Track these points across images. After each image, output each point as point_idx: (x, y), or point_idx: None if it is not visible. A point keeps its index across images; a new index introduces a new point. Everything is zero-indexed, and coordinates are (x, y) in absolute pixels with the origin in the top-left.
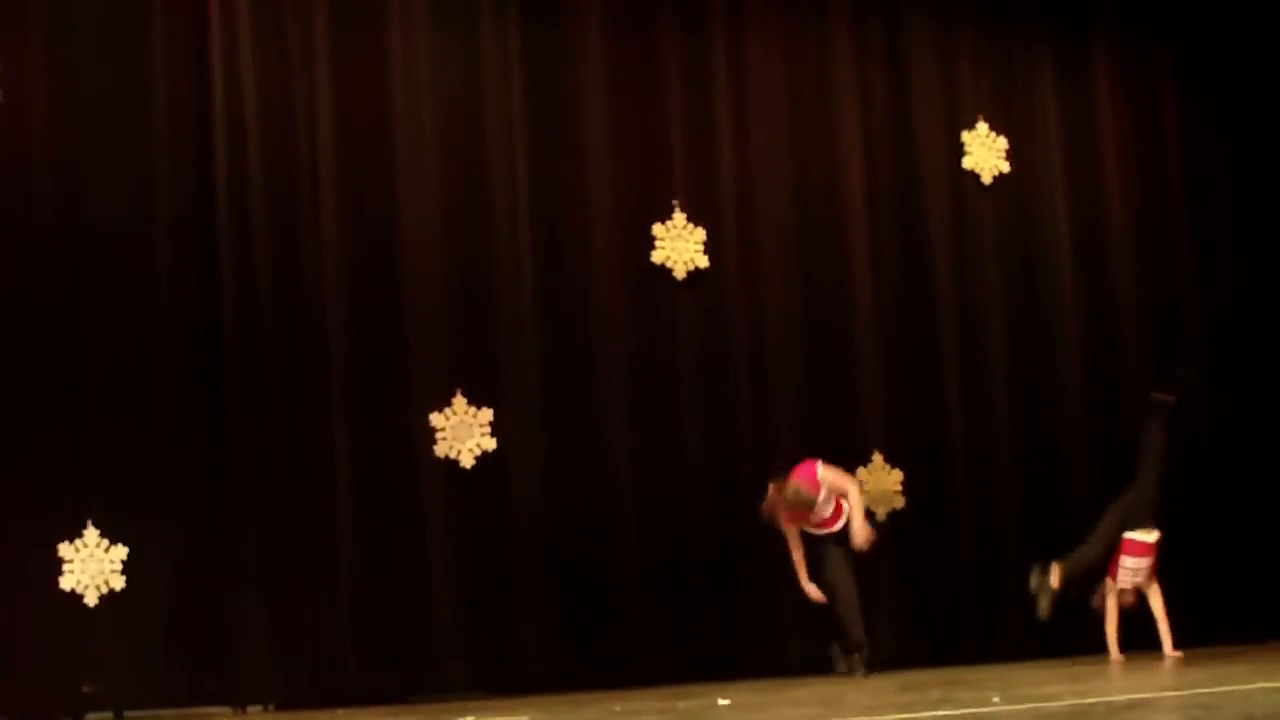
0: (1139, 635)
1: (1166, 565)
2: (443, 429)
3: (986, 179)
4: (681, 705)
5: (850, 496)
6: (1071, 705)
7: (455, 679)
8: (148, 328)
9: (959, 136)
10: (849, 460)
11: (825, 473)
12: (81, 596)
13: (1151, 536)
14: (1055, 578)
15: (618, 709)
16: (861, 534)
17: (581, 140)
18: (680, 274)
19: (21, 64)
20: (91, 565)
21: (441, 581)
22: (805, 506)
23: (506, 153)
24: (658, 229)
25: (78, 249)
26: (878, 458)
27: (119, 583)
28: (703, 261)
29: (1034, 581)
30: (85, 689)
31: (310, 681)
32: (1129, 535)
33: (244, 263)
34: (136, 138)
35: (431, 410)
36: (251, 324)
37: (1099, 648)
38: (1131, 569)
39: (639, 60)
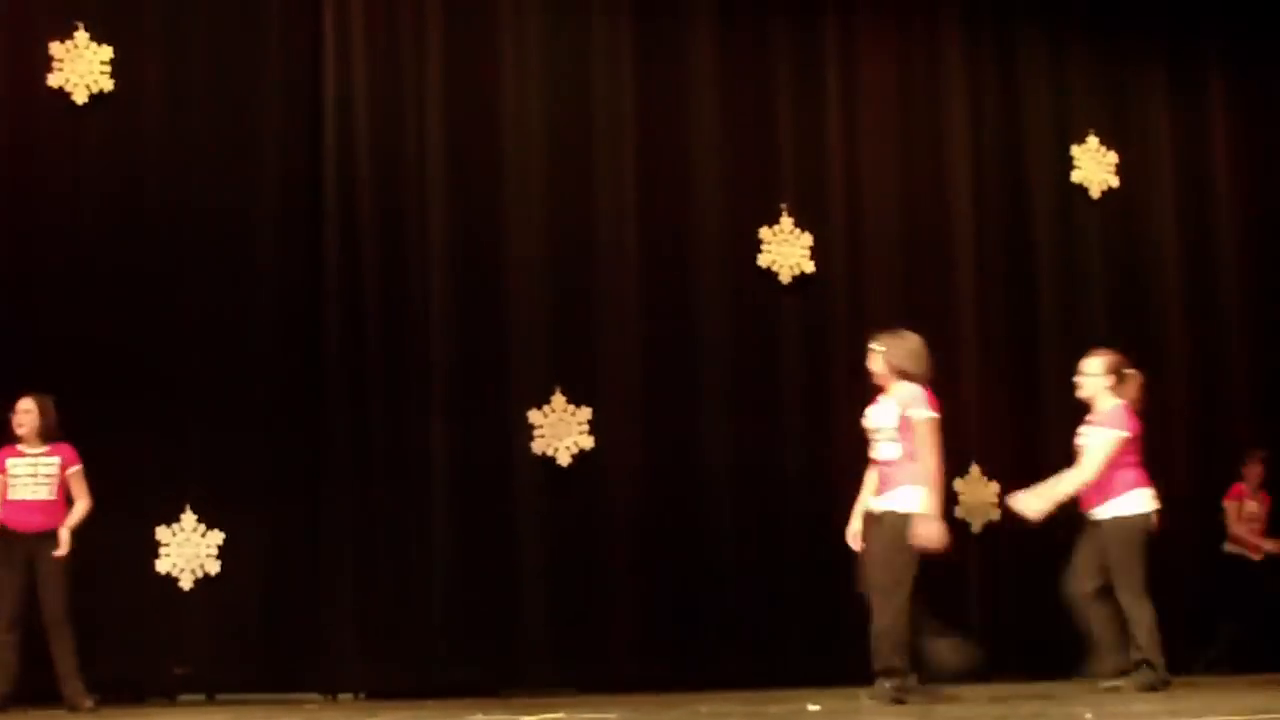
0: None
1: None
2: (541, 426)
3: (1095, 193)
4: (771, 710)
5: None
6: None
7: (545, 675)
8: (251, 318)
9: (1069, 149)
10: (946, 471)
11: None
12: (177, 580)
13: None
14: None
15: (704, 710)
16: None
17: (690, 141)
18: (785, 278)
19: (136, 52)
20: (188, 549)
21: (534, 577)
22: None
23: (615, 152)
24: (764, 232)
25: (185, 238)
26: (975, 470)
27: (214, 567)
28: (808, 266)
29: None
30: (178, 670)
31: (401, 672)
32: None
33: (349, 256)
34: (246, 130)
35: (530, 407)
36: (354, 317)
37: (1189, 668)
38: None
39: (750, 62)
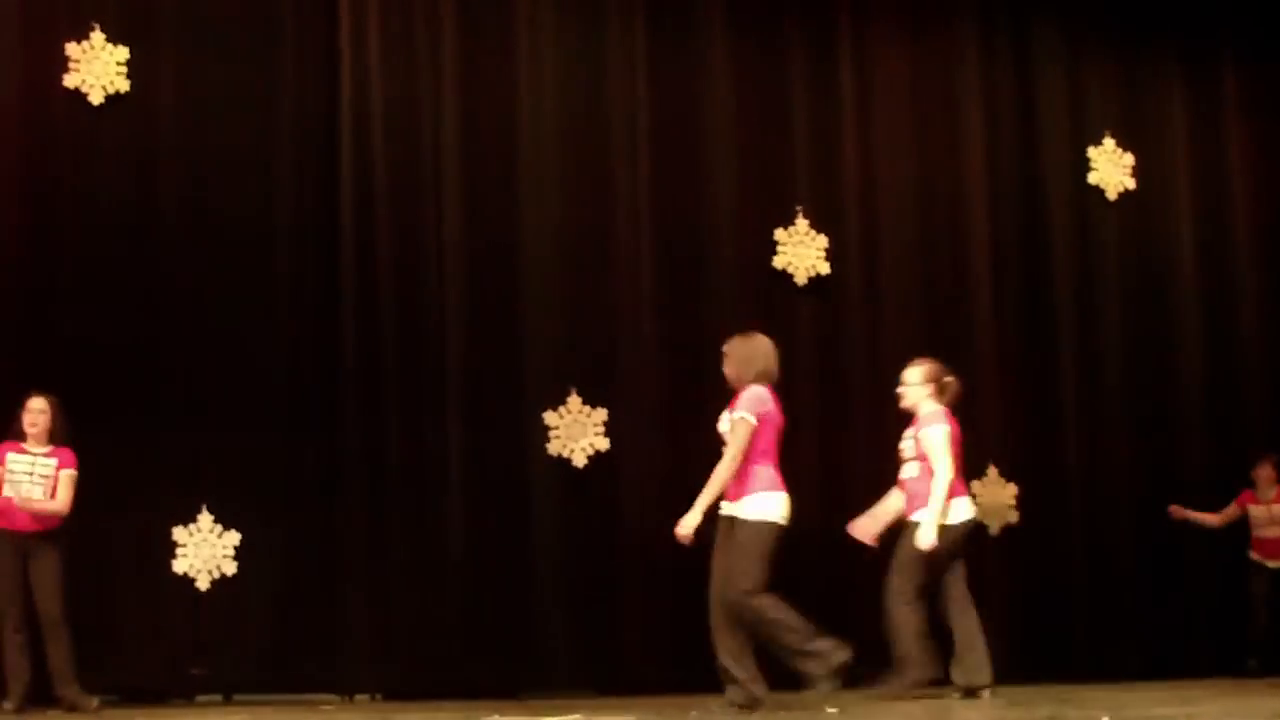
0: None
1: None
2: (556, 428)
3: (1111, 195)
4: (790, 714)
5: None
6: None
7: (562, 676)
8: (268, 319)
9: (1085, 151)
10: (965, 473)
11: None
12: (194, 580)
13: None
14: None
15: (718, 709)
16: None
17: (706, 144)
18: (801, 280)
19: (152, 53)
20: (205, 550)
21: (550, 579)
22: None
23: (630, 155)
24: (780, 234)
25: (201, 239)
26: (993, 471)
27: (231, 568)
28: (824, 268)
29: None
30: (195, 671)
31: (417, 674)
32: None
33: (365, 258)
34: (262, 136)
35: (545, 409)
36: (370, 319)
37: (1211, 670)
38: None
39: (764, 64)
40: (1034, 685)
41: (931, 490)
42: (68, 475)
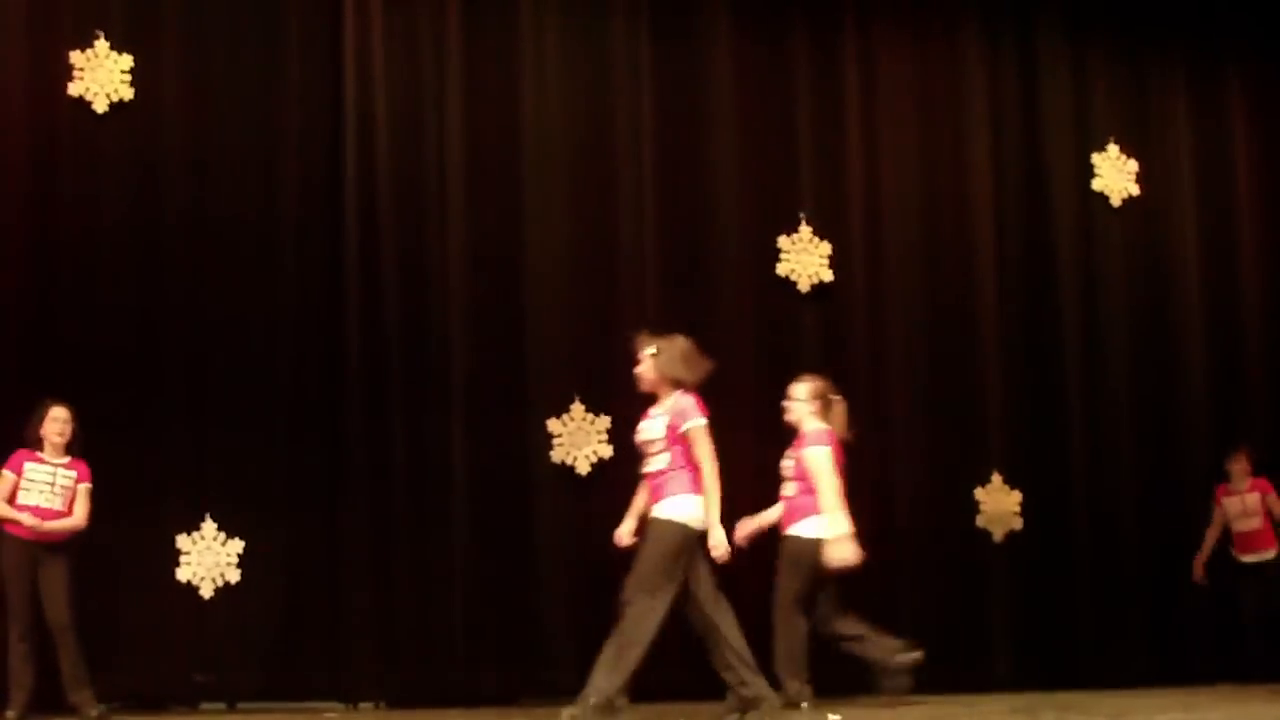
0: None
1: None
2: (560, 435)
3: (1116, 201)
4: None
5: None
6: None
7: (565, 682)
8: (272, 327)
9: (1089, 158)
10: (968, 480)
11: None
12: (197, 588)
13: None
14: None
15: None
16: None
17: (710, 150)
18: (804, 287)
19: (155, 61)
20: (208, 558)
21: (553, 585)
22: None
23: (634, 162)
24: (783, 241)
25: (205, 251)
26: (997, 478)
27: (234, 576)
28: (827, 275)
29: None
30: (198, 679)
31: (421, 681)
32: None
33: (369, 264)
34: (266, 142)
35: (549, 416)
36: (374, 325)
37: (1216, 676)
38: None
39: (769, 72)
40: (1038, 692)
41: (824, 508)
42: (86, 489)
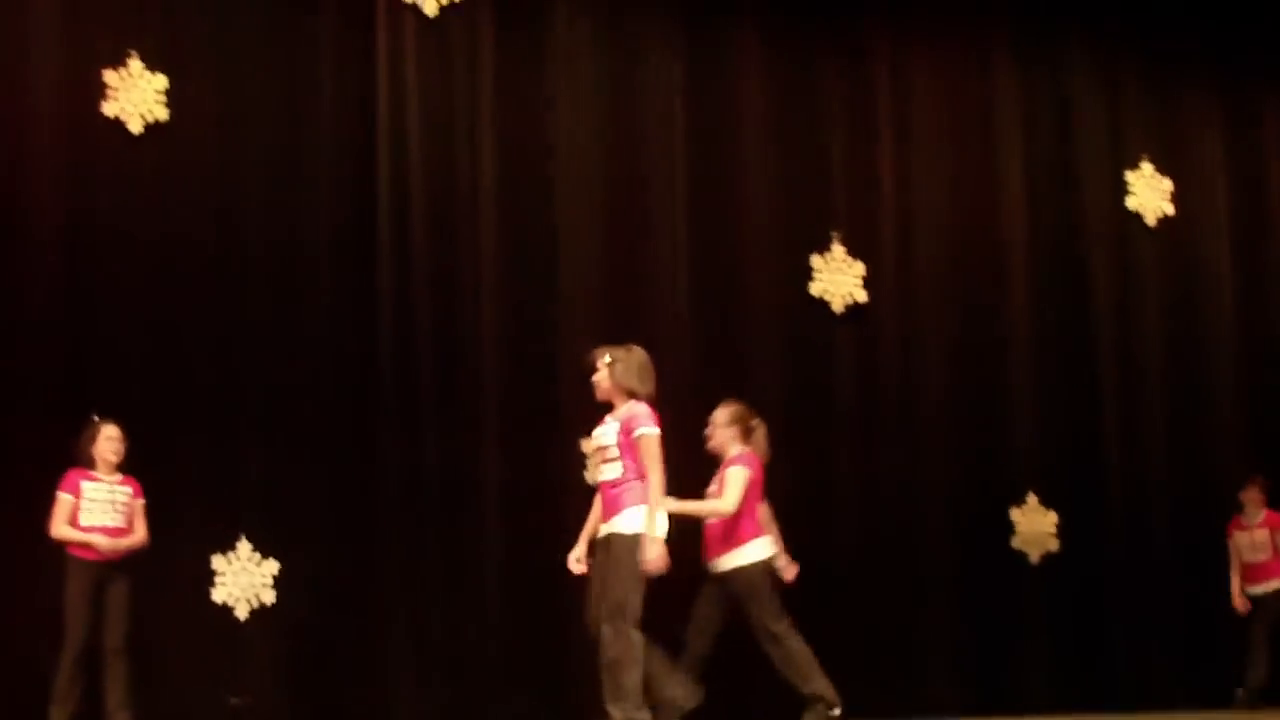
0: None
1: None
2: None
3: (1150, 220)
4: None
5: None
6: None
7: (600, 705)
8: (305, 347)
9: (1123, 177)
10: (1003, 501)
11: None
12: (232, 610)
13: None
14: None
15: None
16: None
17: (742, 170)
18: (838, 307)
19: (189, 80)
20: (243, 579)
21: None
22: None
23: (667, 180)
24: (816, 261)
25: (238, 270)
26: (1032, 499)
27: (269, 597)
28: (861, 296)
29: None
30: (233, 701)
31: (456, 703)
32: None
33: (402, 283)
34: (299, 158)
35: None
36: (407, 345)
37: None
38: None
39: (801, 92)
40: (1076, 714)
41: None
42: (141, 505)
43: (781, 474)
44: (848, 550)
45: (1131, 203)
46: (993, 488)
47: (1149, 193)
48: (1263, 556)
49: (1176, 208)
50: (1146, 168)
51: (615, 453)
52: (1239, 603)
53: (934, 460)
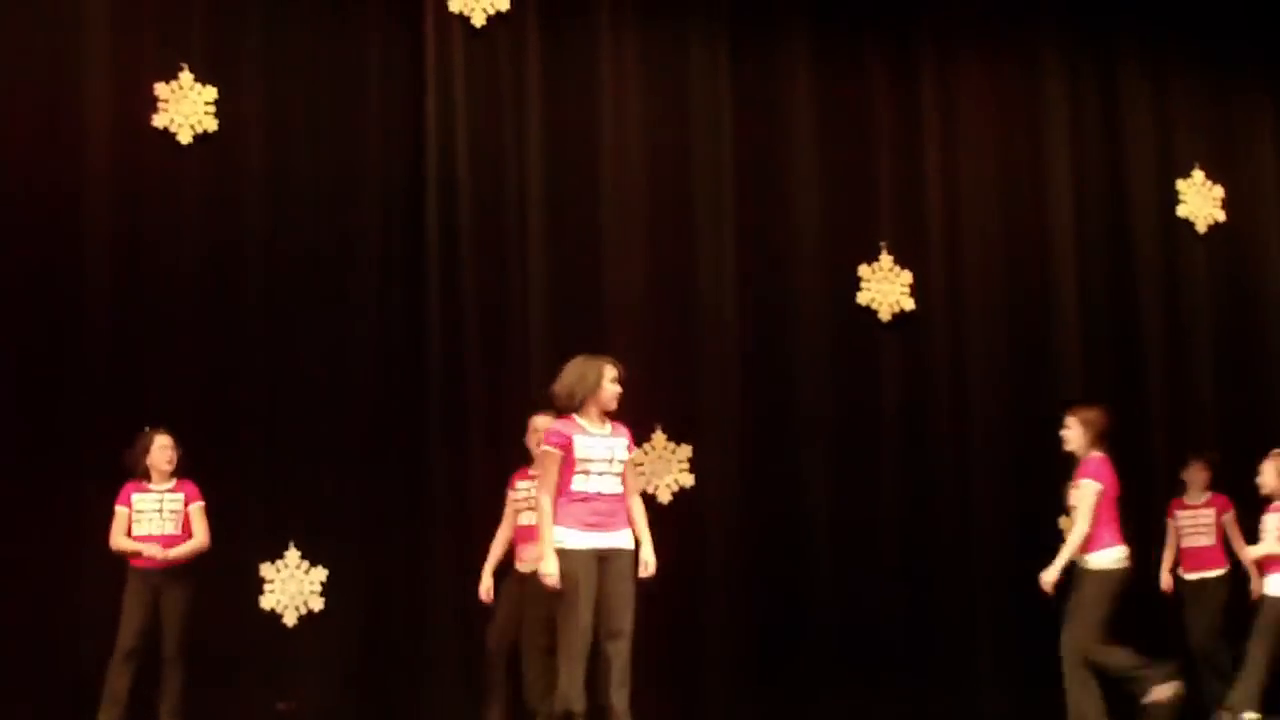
0: None
1: None
2: (641, 464)
3: (1201, 228)
4: None
5: None
6: None
7: (645, 710)
8: (354, 355)
9: (1173, 184)
10: (1051, 511)
11: None
12: (281, 616)
13: None
14: None
15: None
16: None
17: (790, 180)
18: (885, 316)
19: (238, 94)
20: (291, 586)
21: (635, 613)
22: None
23: (714, 191)
24: (864, 270)
25: (287, 280)
26: None
27: (318, 604)
28: (908, 304)
29: None
30: (281, 707)
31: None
32: None
33: (449, 296)
34: (349, 170)
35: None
36: (456, 354)
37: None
38: None
39: (848, 101)
40: None
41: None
42: (199, 508)
43: (826, 483)
44: (895, 556)
45: (1182, 210)
46: (1041, 498)
47: (1200, 200)
48: (1203, 541)
49: (1228, 215)
50: (1197, 175)
51: (621, 468)
52: (1166, 580)
53: (984, 469)
